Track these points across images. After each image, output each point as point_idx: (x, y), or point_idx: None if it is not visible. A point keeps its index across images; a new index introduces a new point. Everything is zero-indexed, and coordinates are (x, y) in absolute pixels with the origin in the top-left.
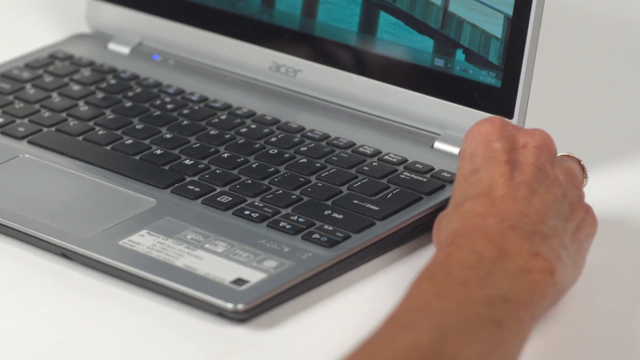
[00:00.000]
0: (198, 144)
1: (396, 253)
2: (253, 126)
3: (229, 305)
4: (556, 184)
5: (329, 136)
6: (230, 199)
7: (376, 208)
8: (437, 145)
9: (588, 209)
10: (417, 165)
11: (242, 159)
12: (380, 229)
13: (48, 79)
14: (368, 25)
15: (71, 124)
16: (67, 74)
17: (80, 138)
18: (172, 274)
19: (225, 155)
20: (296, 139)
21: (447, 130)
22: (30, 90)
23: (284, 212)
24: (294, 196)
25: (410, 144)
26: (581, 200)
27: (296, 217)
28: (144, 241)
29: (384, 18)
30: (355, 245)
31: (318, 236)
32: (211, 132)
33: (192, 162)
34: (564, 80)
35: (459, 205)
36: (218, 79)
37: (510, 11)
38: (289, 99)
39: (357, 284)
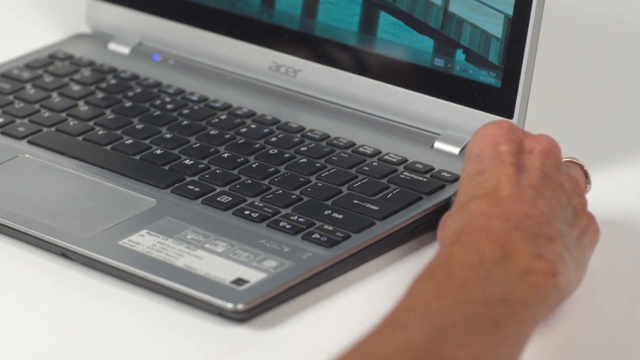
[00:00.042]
0: (198, 144)
1: (396, 253)
2: (253, 126)
3: (229, 305)
4: (561, 189)
5: (329, 136)
6: (230, 199)
7: (376, 208)
8: (437, 145)
9: (591, 217)
10: (417, 165)
11: (242, 159)
12: (380, 229)
13: (48, 79)
14: (368, 25)
15: (71, 124)
16: (67, 74)
17: (80, 138)
18: (172, 274)
19: (225, 155)
20: (296, 139)
21: (447, 130)
22: (30, 90)
23: (284, 212)
24: (294, 196)
25: (410, 144)
26: (584, 208)
27: (296, 217)
28: (144, 241)
29: (384, 18)
30: (355, 245)
31: (318, 236)
32: (211, 132)
33: (192, 162)
34: (564, 80)
35: (464, 205)
36: (218, 79)
37: (510, 11)
38: (289, 99)
39: (357, 284)
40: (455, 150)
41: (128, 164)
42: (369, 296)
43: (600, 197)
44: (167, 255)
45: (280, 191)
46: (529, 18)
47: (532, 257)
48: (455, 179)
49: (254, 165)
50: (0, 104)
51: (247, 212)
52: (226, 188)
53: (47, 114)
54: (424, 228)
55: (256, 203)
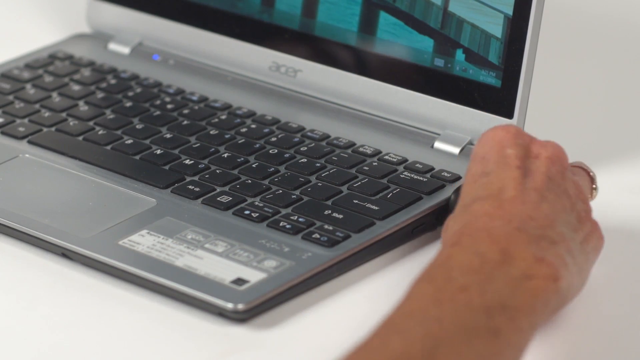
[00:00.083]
0: (198, 144)
1: (396, 253)
2: (253, 126)
3: (229, 305)
4: (565, 195)
5: (329, 136)
6: (230, 198)
7: (376, 208)
8: (437, 145)
9: (595, 224)
10: (417, 165)
11: (242, 159)
12: (380, 229)
13: (48, 79)
14: (368, 25)
15: (71, 124)
16: (67, 74)
17: (80, 138)
18: (172, 273)
19: (225, 155)
20: (296, 139)
21: (447, 130)
22: (30, 90)
23: (284, 212)
24: (294, 196)
25: (410, 144)
26: (588, 215)
27: (296, 217)
28: (144, 241)
29: (384, 18)
30: (355, 245)
31: (318, 236)
32: (211, 132)
33: (192, 162)
34: (564, 80)
35: (467, 206)
36: (218, 79)
37: (510, 11)
38: (289, 99)
39: (357, 284)
40: (455, 150)
41: (128, 164)
42: (369, 296)
43: (600, 197)
44: (167, 255)
45: (280, 191)
46: (528, 18)
47: (533, 260)
48: (455, 178)
49: (254, 165)
50: (0, 104)
51: (247, 212)
52: (226, 188)
53: (47, 114)
54: (424, 228)
55: (256, 203)
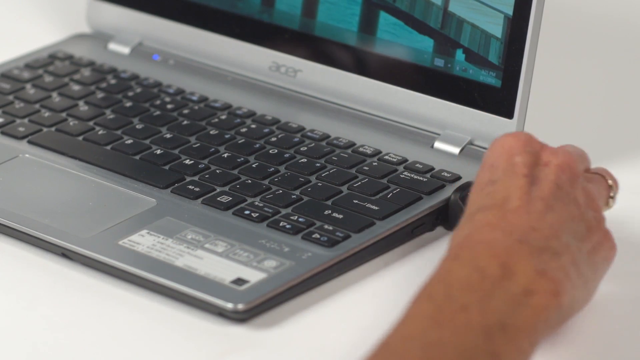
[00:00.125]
0: (198, 144)
1: (396, 253)
2: (253, 126)
3: (229, 305)
4: (574, 204)
5: (329, 136)
6: (230, 198)
7: (376, 208)
8: (437, 145)
9: (606, 233)
10: (417, 165)
11: (242, 159)
12: (380, 229)
13: (48, 79)
14: (368, 25)
15: (71, 124)
16: (67, 74)
17: (80, 138)
18: (172, 273)
19: (225, 155)
20: (296, 139)
21: (447, 130)
22: (30, 90)
23: (284, 212)
24: (294, 196)
25: (410, 144)
26: (600, 224)
27: (296, 217)
28: (144, 241)
29: (384, 18)
30: (355, 245)
31: (318, 236)
32: (211, 132)
33: (192, 162)
34: (564, 80)
35: (472, 216)
36: (218, 79)
37: (510, 11)
38: (289, 99)
39: (357, 284)
40: (455, 150)
41: (128, 164)
42: (369, 296)
43: None
44: (167, 255)
45: (280, 191)
46: (528, 18)
47: (534, 274)
48: (455, 178)
49: (254, 165)
50: (0, 104)
51: (247, 212)
52: (226, 188)
53: (47, 114)
54: (423, 228)
55: (256, 203)
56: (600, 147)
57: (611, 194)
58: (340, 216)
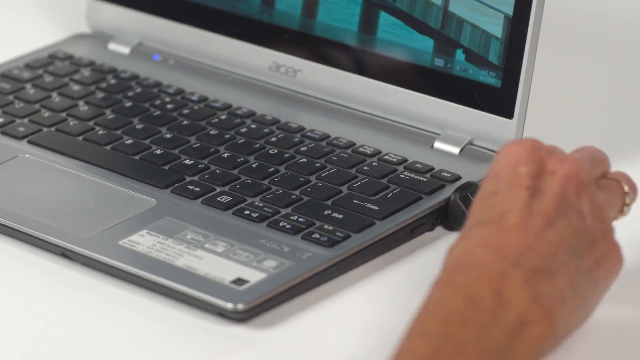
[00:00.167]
0: (198, 144)
1: (396, 253)
2: (253, 126)
3: (229, 305)
4: (578, 216)
5: (329, 136)
6: (230, 198)
7: (376, 208)
8: (437, 145)
9: (613, 245)
10: (417, 165)
11: (242, 159)
12: (380, 229)
13: (48, 79)
14: (368, 25)
15: (71, 124)
16: (67, 74)
17: (80, 138)
18: (172, 273)
19: (225, 155)
20: (296, 139)
21: (447, 130)
22: (30, 90)
23: (284, 212)
24: (294, 196)
25: (410, 144)
26: (606, 236)
27: (296, 217)
28: (144, 241)
29: (384, 18)
30: (355, 245)
31: (318, 236)
32: (211, 132)
33: (192, 162)
34: (564, 80)
35: (469, 230)
36: (218, 79)
37: (510, 11)
38: (289, 99)
39: (357, 284)
40: (455, 150)
41: (128, 164)
42: (369, 296)
43: None
44: (167, 255)
45: (280, 191)
46: (529, 18)
47: (528, 302)
48: (455, 178)
49: (254, 165)
50: (0, 104)
51: (247, 212)
52: (226, 188)
53: (47, 114)
54: (424, 228)
55: (256, 203)
56: (600, 147)
57: (627, 201)
58: (340, 216)
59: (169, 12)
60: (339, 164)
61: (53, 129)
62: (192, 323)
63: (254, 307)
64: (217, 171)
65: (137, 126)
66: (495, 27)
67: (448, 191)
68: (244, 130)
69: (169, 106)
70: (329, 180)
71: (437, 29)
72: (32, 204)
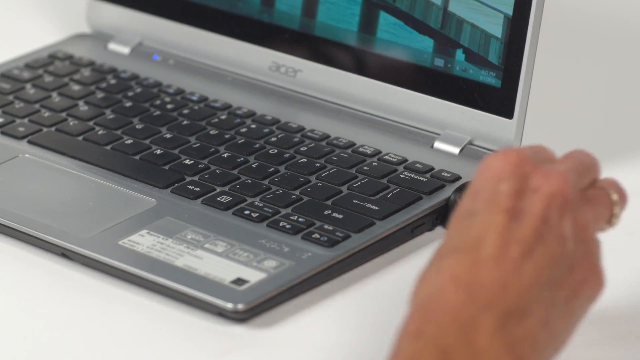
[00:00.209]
0: (198, 144)
1: (396, 253)
2: (253, 126)
3: (229, 305)
4: (558, 240)
5: (329, 136)
6: (230, 198)
7: (376, 208)
8: (437, 145)
9: (594, 268)
10: (417, 165)
11: (242, 159)
12: (380, 229)
13: (48, 79)
14: (368, 25)
15: (71, 124)
16: (67, 74)
17: (80, 138)
18: (172, 273)
19: (225, 155)
20: (296, 139)
21: (447, 130)
22: (30, 90)
23: (284, 212)
24: (294, 196)
25: (410, 144)
26: (588, 258)
27: (296, 217)
28: (144, 241)
29: (384, 18)
30: (355, 245)
31: (318, 236)
32: (211, 132)
33: (192, 162)
34: (564, 80)
35: (441, 258)
36: (218, 79)
37: (510, 11)
38: (289, 99)
39: (357, 284)
40: (455, 150)
41: (128, 164)
42: (369, 296)
43: None
44: (167, 255)
45: (280, 191)
46: (528, 18)
47: (501, 352)
48: (455, 178)
49: (254, 165)
50: (0, 104)
51: (247, 212)
52: (226, 188)
53: (47, 114)
54: (423, 228)
55: (256, 203)
56: (600, 147)
57: (615, 212)
58: (340, 216)
59: (169, 12)
60: (339, 164)
61: (53, 129)
62: (192, 323)
63: (254, 307)
64: (217, 171)
65: (137, 126)
66: (495, 27)
67: (448, 191)
68: (244, 130)
69: (169, 106)
70: (329, 180)
71: (437, 29)
72: (32, 204)
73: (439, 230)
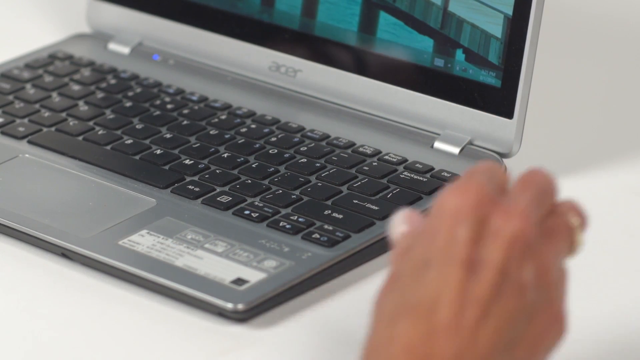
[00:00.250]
0: (198, 144)
1: None
2: (253, 126)
3: (229, 305)
4: (518, 292)
5: (329, 136)
6: (230, 198)
7: (376, 208)
8: (437, 145)
9: (556, 315)
10: (417, 165)
11: (242, 159)
12: (380, 229)
13: (48, 79)
14: (368, 25)
15: (71, 124)
16: (67, 74)
17: (80, 138)
18: (172, 273)
19: (225, 155)
20: (296, 139)
21: (447, 130)
22: (30, 90)
23: (284, 212)
24: (294, 196)
25: (410, 144)
26: (549, 306)
27: (296, 217)
28: (144, 241)
29: (384, 18)
30: (355, 245)
31: (318, 236)
32: (211, 132)
33: (192, 162)
34: (564, 80)
35: (394, 318)
36: (218, 79)
37: (510, 11)
38: (289, 99)
39: (357, 284)
40: (455, 150)
41: (128, 164)
42: (369, 296)
43: (600, 198)
44: (167, 255)
45: (280, 191)
46: (528, 18)
47: None
48: (455, 178)
49: (254, 165)
50: (0, 104)
51: (247, 212)
52: (226, 188)
53: (47, 114)
54: None
55: (256, 203)
56: (600, 147)
57: (576, 238)
58: (340, 216)
59: (169, 12)
60: (339, 164)
61: (53, 129)
62: (192, 323)
63: (254, 307)
64: (217, 171)
65: (137, 126)
66: (495, 27)
67: None
68: (244, 130)
69: (169, 106)
70: (329, 180)
71: (437, 29)
72: (32, 204)
73: None
